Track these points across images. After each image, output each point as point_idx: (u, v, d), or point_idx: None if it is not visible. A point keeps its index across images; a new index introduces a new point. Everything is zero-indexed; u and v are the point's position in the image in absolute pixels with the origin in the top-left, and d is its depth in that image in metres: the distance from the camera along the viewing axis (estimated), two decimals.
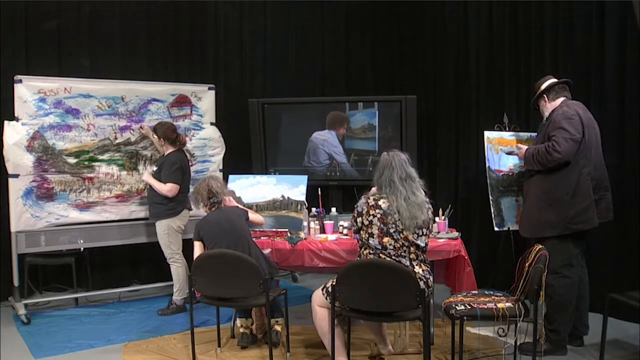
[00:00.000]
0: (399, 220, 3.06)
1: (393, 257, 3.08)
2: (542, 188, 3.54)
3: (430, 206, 3.20)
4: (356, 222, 3.20)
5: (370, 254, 3.13)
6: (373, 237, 3.10)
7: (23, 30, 4.82)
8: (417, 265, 3.11)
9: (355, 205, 3.23)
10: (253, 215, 3.82)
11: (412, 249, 3.10)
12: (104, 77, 4.65)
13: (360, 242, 3.22)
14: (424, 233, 3.13)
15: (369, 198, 3.18)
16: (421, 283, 3.01)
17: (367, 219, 3.12)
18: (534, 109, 3.81)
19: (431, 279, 3.18)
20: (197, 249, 3.58)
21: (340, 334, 3.21)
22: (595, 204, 3.48)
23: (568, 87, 3.66)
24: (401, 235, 3.07)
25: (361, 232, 3.17)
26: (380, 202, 3.12)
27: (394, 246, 3.08)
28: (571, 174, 3.44)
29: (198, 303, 3.68)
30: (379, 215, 3.09)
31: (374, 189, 3.25)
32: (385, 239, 3.08)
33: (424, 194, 3.18)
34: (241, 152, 5.46)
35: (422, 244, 3.13)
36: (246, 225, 3.66)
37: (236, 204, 3.91)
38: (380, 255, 3.09)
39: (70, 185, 4.53)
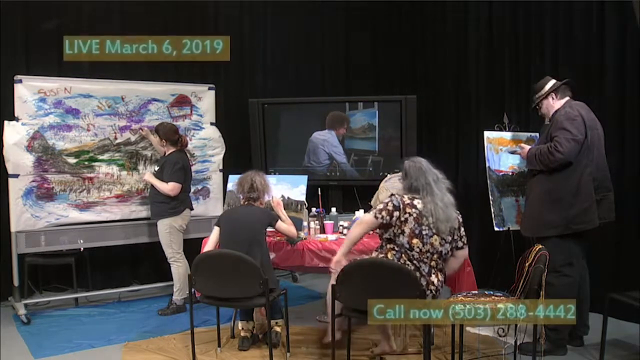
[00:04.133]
0: (433, 223, 3.07)
1: (415, 261, 3.08)
2: (544, 188, 3.54)
3: (459, 216, 3.24)
4: (391, 216, 3.09)
5: (393, 249, 3.11)
6: (403, 235, 3.08)
7: (23, 30, 4.82)
8: (434, 274, 3.12)
9: (388, 200, 3.15)
10: (282, 225, 3.63)
11: (435, 256, 3.11)
12: (104, 77, 4.64)
13: (385, 237, 3.17)
14: (448, 241, 3.15)
15: (403, 196, 3.14)
16: (431, 292, 3.05)
17: (403, 216, 3.09)
18: (535, 111, 3.79)
19: (441, 290, 3.18)
20: (214, 233, 3.59)
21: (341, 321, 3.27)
22: (597, 205, 3.49)
23: (570, 87, 3.67)
24: (430, 240, 3.08)
25: (391, 228, 3.12)
26: (415, 202, 3.12)
27: (420, 249, 3.08)
28: (573, 175, 3.45)
29: (198, 303, 3.67)
30: (415, 215, 3.08)
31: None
32: (415, 240, 3.07)
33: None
34: (241, 152, 5.46)
35: (445, 251, 3.14)
36: (264, 233, 3.57)
37: (280, 207, 3.80)
38: (403, 255, 3.09)
39: (70, 185, 4.53)
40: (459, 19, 5.42)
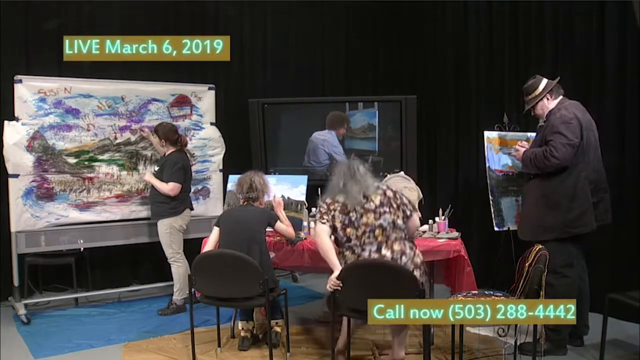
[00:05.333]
0: (358, 206, 3.11)
1: (357, 248, 3.11)
2: (541, 192, 3.53)
3: (390, 190, 3.24)
4: (328, 215, 3.18)
5: (340, 252, 3.18)
6: (337, 230, 3.15)
7: (23, 30, 4.82)
8: (386, 248, 3.08)
9: (317, 208, 3.28)
10: (281, 226, 3.64)
11: (376, 232, 3.10)
12: (104, 77, 4.65)
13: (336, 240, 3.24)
14: (386, 211, 3.13)
15: (325, 200, 3.24)
16: (404, 259, 3.06)
17: (330, 214, 3.17)
18: (529, 113, 3.77)
19: (411, 253, 3.12)
20: (214, 234, 3.59)
21: None
22: (594, 207, 3.48)
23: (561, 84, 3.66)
24: (360, 221, 3.11)
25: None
26: (336, 198, 3.20)
27: (356, 235, 3.11)
28: (569, 178, 3.44)
29: (198, 303, 3.67)
30: (339, 208, 3.16)
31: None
32: (348, 230, 3.13)
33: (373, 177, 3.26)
34: (241, 152, 5.46)
35: (387, 223, 3.11)
36: (264, 232, 3.57)
37: (280, 207, 3.80)
38: (346, 251, 3.14)
39: (70, 185, 4.53)
40: (459, 19, 5.42)
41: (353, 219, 3.12)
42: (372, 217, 3.11)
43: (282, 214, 3.76)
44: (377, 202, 3.15)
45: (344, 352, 3.39)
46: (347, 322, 3.38)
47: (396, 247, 3.10)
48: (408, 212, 3.23)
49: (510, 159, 4.15)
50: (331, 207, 3.18)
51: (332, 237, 3.20)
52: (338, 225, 3.15)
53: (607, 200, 3.59)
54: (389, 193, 3.21)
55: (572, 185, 3.44)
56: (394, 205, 3.17)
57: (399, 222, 3.16)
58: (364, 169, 3.26)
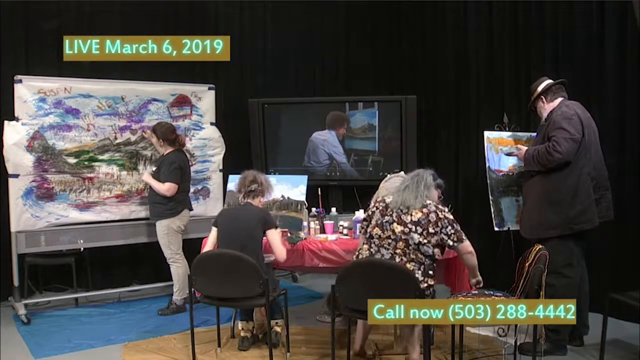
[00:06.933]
0: (395, 211, 3.15)
1: (374, 246, 3.16)
2: (543, 189, 3.54)
3: (438, 211, 3.12)
4: (366, 219, 3.32)
5: (364, 244, 3.28)
6: (370, 227, 3.24)
7: (23, 30, 4.82)
8: (398, 262, 3.04)
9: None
10: (275, 236, 3.52)
11: (399, 244, 3.08)
12: (104, 77, 4.64)
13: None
14: (417, 232, 3.06)
15: (377, 197, 3.36)
16: None
17: (371, 210, 3.28)
18: (531, 111, 3.82)
19: (423, 279, 3.05)
20: (212, 234, 3.59)
21: None
22: (596, 204, 3.49)
23: (564, 86, 3.66)
24: (390, 226, 3.13)
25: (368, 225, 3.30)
26: (385, 198, 3.26)
27: (380, 236, 3.16)
28: (571, 175, 3.45)
29: (198, 303, 3.67)
30: (381, 208, 3.22)
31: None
32: (376, 229, 3.17)
33: (431, 197, 3.21)
34: (241, 152, 5.46)
35: (413, 241, 3.05)
36: (260, 232, 3.50)
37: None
38: (364, 246, 3.24)
39: (70, 185, 4.53)
40: (459, 19, 5.42)
41: (385, 221, 3.16)
42: (400, 228, 3.09)
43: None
44: (415, 219, 3.08)
45: (362, 354, 3.43)
46: (360, 324, 3.43)
47: (408, 266, 3.05)
48: (451, 243, 3.10)
49: (515, 158, 4.15)
50: (376, 205, 3.28)
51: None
52: (373, 222, 3.22)
53: (609, 197, 3.59)
54: (432, 217, 3.09)
55: (574, 182, 3.44)
56: (430, 230, 3.07)
57: (427, 248, 3.07)
58: (432, 182, 3.25)
